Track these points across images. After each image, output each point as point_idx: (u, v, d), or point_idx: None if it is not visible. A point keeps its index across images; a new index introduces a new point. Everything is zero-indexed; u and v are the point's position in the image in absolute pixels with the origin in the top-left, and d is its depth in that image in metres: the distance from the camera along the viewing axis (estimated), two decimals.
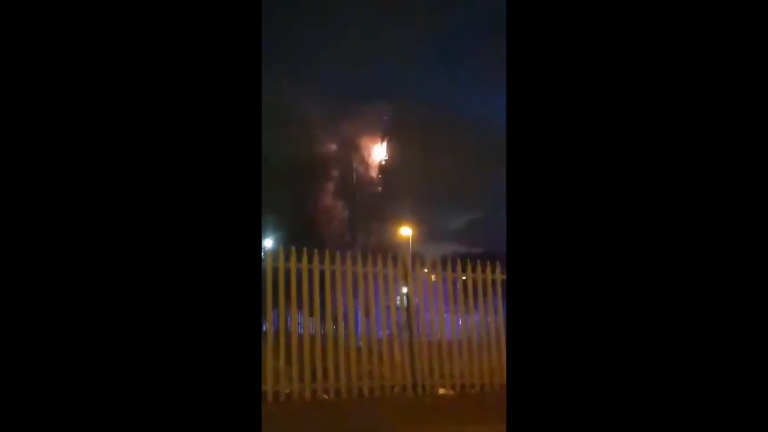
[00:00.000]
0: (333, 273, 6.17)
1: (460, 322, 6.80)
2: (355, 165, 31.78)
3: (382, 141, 32.41)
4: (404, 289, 6.66)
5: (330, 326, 6.04)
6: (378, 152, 32.51)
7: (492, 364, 6.62)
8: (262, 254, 6.15)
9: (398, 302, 6.66)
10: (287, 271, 5.90)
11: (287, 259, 5.95)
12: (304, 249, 6.08)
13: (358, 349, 6.10)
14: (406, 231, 22.86)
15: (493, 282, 6.96)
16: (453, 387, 6.45)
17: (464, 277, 6.84)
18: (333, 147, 31.73)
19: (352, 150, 31.84)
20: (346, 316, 6.15)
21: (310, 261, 6.05)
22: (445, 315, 6.66)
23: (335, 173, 31.51)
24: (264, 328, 5.78)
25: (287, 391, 5.63)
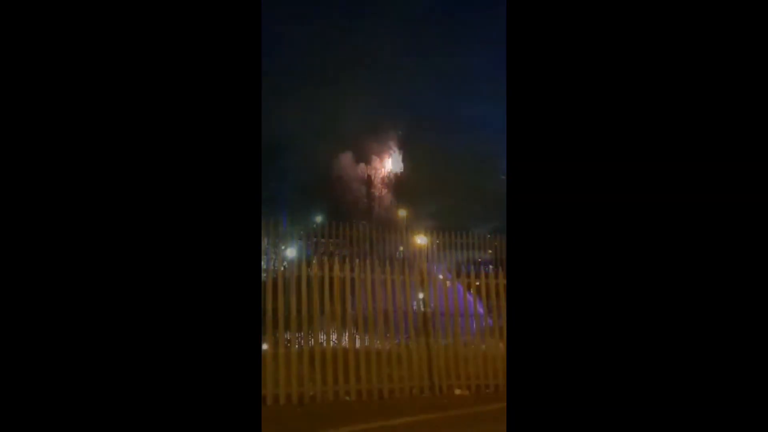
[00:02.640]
0: (353, 281, 6.48)
1: (474, 326, 7.04)
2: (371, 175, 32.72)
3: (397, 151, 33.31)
4: (420, 295, 6.97)
5: (351, 331, 6.35)
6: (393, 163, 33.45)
7: (506, 367, 6.82)
8: (285, 263, 6.50)
9: (415, 307, 6.96)
10: (309, 280, 6.23)
11: (309, 267, 6.29)
12: (325, 258, 6.41)
13: (378, 353, 6.38)
14: (421, 239, 23.53)
15: (506, 287, 7.24)
16: (468, 387, 6.71)
17: (477, 283, 7.13)
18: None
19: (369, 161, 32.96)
20: (366, 321, 6.45)
21: (331, 269, 6.37)
22: (459, 319, 6.93)
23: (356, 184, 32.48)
24: (287, 335, 6.12)
25: (311, 394, 5.94)
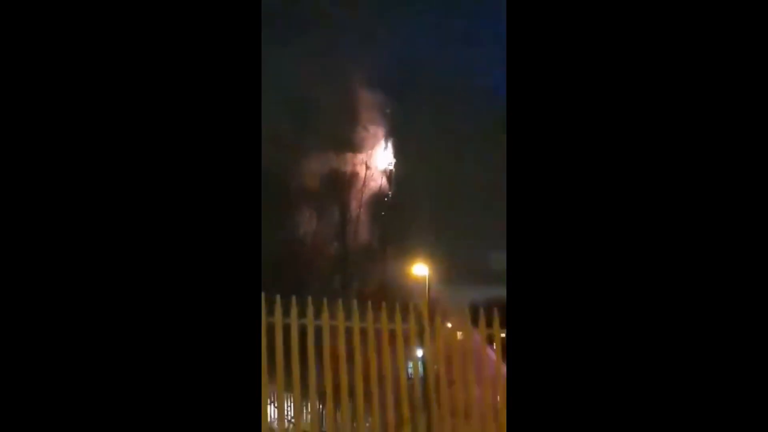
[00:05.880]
0: (319, 330, 4.53)
1: (499, 398, 5.03)
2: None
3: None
4: (419, 352, 5.11)
5: (315, 406, 4.49)
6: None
7: None
8: None
9: (409, 370, 5.13)
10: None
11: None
12: (277, 297, 4.39)
13: None
14: (421, 269, 18.00)
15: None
16: None
17: (503, 334, 5.09)
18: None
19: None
20: (337, 392, 4.57)
21: (286, 314, 4.38)
22: (475, 388, 4.99)
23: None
24: None
25: None
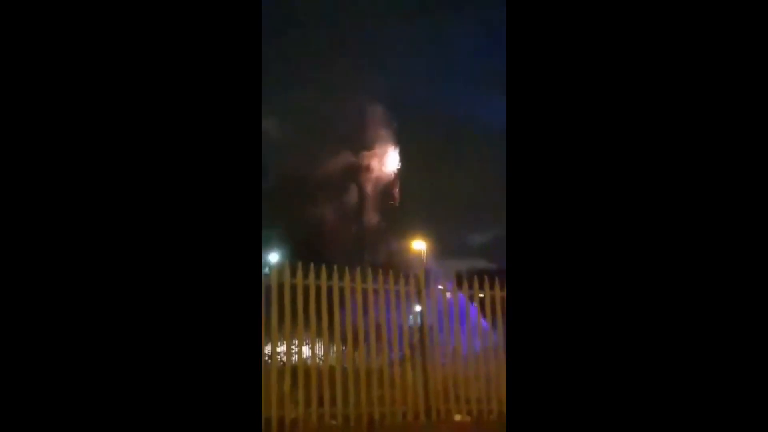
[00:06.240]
0: (342, 290, 5.86)
1: (478, 343, 6.43)
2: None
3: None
4: (417, 308, 6.37)
5: (339, 347, 5.75)
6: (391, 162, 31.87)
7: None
8: (267, 270, 5.89)
9: (411, 321, 6.39)
10: (293, 288, 5.61)
11: (293, 275, 5.65)
12: (311, 264, 5.77)
13: (368, 372, 5.81)
14: (419, 245, 21.62)
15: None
16: (469, 413, 6.12)
17: (481, 295, 6.48)
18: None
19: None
20: (355, 336, 5.87)
21: (317, 277, 5.73)
22: (460, 335, 6.32)
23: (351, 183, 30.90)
24: (268, 350, 5.53)
25: (292, 417, 5.34)
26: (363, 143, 31.80)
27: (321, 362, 5.74)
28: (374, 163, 31.50)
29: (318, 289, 5.71)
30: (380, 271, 6.18)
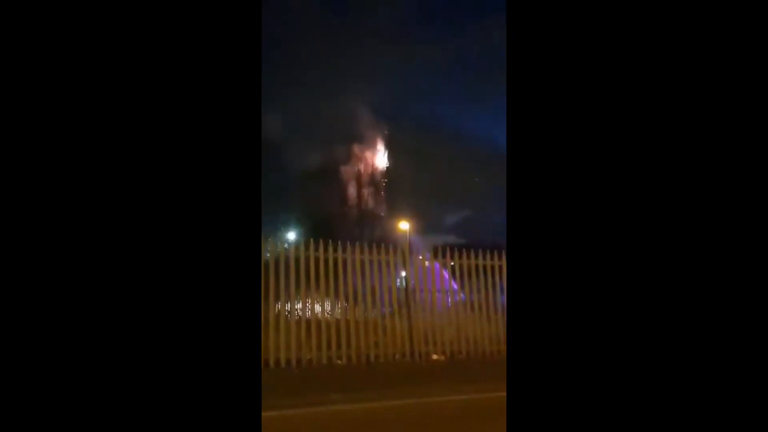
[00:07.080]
0: (344, 260, 7.44)
1: (449, 300, 8.05)
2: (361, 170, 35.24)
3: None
4: (403, 273, 7.92)
5: (342, 304, 7.34)
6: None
7: (476, 335, 7.93)
8: (287, 245, 7.46)
9: (398, 283, 7.90)
10: (307, 259, 7.19)
11: (307, 249, 7.24)
12: (320, 240, 7.36)
13: (365, 323, 7.34)
14: (404, 225, 25.78)
15: (476, 266, 8.28)
16: (444, 353, 7.68)
17: (452, 263, 8.13)
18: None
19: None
20: (355, 295, 7.43)
21: (326, 250, 7.34)
22: (437, 294, 7.92)
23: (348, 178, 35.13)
24: (288, 307, 7.06)
25: (308, 358, 6.89)
26: (362, 145, 36.52)
27: (329, 316, 7.30)
28: (369, 160, 36.63)
29: (326, 260, 7.30)
30: (374, 245, 7.80)
